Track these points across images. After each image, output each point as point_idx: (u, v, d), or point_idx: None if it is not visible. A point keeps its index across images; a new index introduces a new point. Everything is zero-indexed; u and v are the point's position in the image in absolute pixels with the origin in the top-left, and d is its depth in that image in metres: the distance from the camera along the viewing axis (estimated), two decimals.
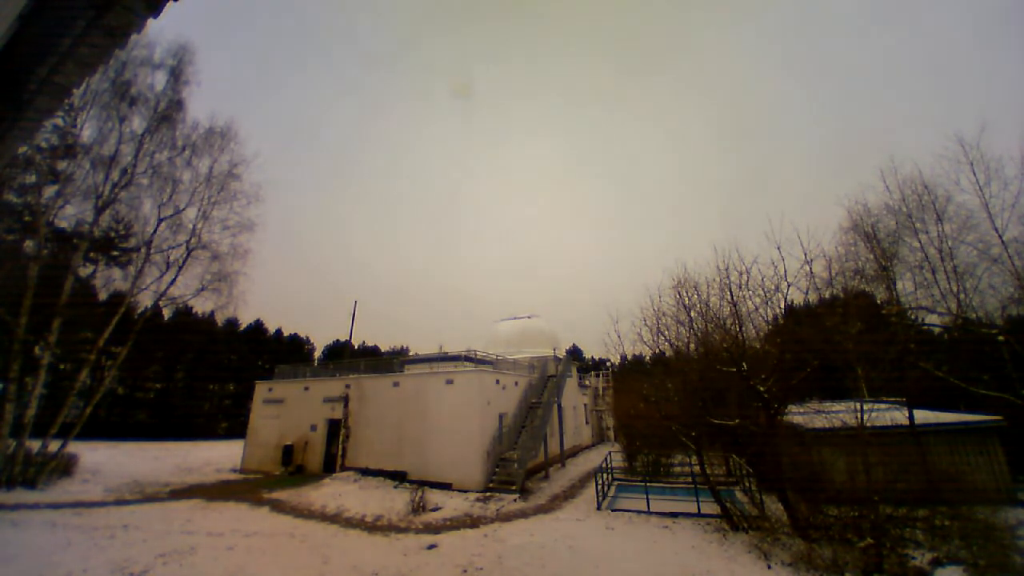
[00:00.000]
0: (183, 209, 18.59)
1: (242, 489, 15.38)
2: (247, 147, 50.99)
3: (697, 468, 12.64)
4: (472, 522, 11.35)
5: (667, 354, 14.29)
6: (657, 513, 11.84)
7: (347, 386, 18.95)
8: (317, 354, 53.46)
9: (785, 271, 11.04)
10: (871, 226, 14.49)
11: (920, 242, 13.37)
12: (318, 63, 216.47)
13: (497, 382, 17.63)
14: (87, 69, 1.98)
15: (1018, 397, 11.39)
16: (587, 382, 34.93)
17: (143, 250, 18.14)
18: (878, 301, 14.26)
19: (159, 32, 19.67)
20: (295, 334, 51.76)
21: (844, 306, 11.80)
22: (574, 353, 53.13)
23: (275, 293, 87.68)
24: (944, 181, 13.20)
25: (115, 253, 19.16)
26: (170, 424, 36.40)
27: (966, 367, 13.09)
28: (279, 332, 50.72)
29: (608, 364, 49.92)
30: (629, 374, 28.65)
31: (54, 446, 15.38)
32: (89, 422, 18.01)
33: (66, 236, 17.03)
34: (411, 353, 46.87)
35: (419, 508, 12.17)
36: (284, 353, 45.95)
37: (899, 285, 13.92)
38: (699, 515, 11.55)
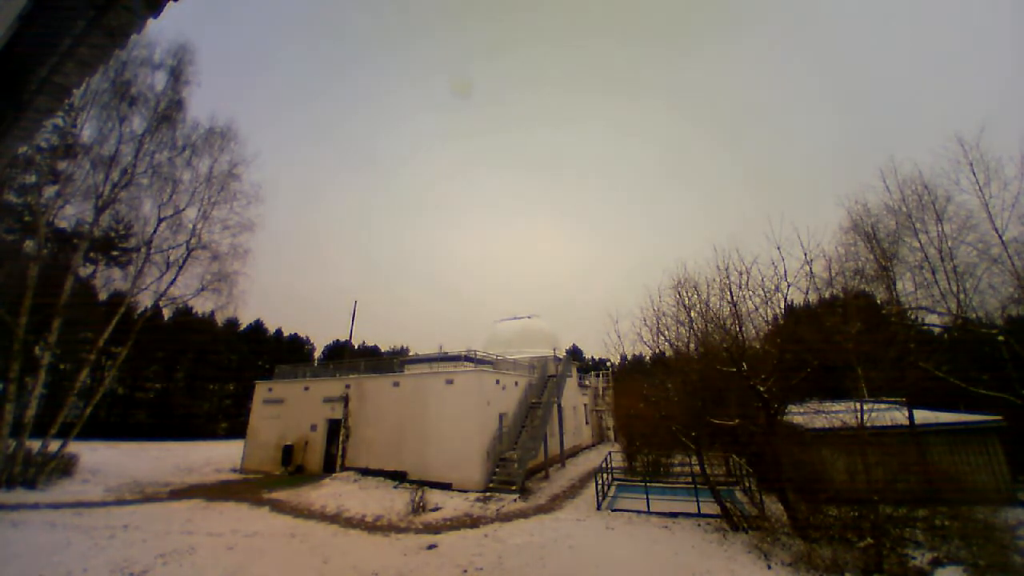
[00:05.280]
0: (183, 209, 18.62)
1: (242, 489, 15.38)
2: (247, 147, 51.01)
3: (697, 468, 12.64)
4: (472, 522, 11.35)
5: (667, 354, 14.29)
6: (657, 513, 11.84)
7: (347, 386, 18.95)
8: (317, 354, 53.47)
9: (785, 271, 11.06)
10: (871, 226, 14.49)
11: (920, 242, 13.37)
12: (318, 63, 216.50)
13: (497, 382, 17.62)
14: (87, 69, 1.98)
15: (1018, 397, 11.39)
16: (587, 382, 34.91)
17: (143, 250, 18.15)
18: (878, 301, 14.25)
19: (159, 32, 19.70)
20: (295, 334, 51.78)
21: (844, 306, 11.80)
22: (574, 353, 53.14)
23: (275, 293, 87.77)
24: (944, 181, 13.21)
25: (115, 253, 19.18)
26: (170, 424, 36.37)
27: (966, 367, 13.08)
28: (279, 332, 50.73)
29: (608, 364, 49.94)
30: (629, 374, 28.64)
31: (54, 446, 15.39)
32: (89, 422, 18.01)
33: (66, 236, 17.05)
34: (411, 353, 46.87)
35: (419, 508, 12.17)
36: (284, 353, 45.94)
37: (899, 285, 13.92)
38: (699, 515, 11.55)
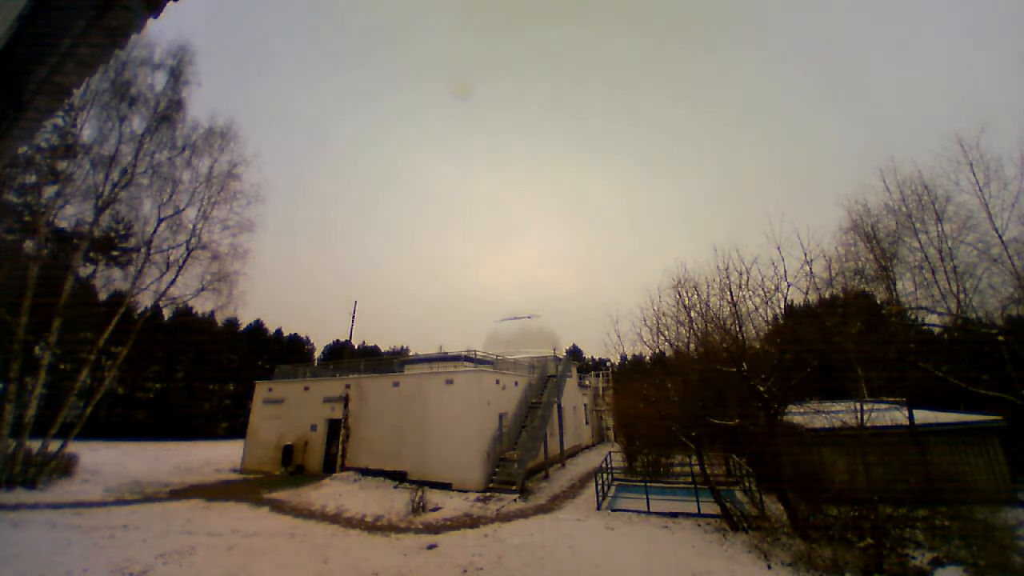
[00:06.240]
0: (183, 209, 18.60)
1: (242, 489, 15.38)
2: (247, 147, 50.98)
3: (697, 468, 12.64)
4: (472, 522, 11.35)
5: (667, 354, 14.30)
6: (657, 513, 11.84)
7: (347, 386, 18.95)
8: (317, 354, 53.48)
9: (785, 271, 11.06)
10: (871, 226, 14.48)
11: (920, 242, 13.36)
12: (319, 63, 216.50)
13: (497, 382, 17.62)
14: (87, 69, 1.97)
15: (1018, 397, 11.38)
16: (587, 382, 34.91)
17: (143, 250, 18.14)
18: (878, 301, 14.25)
19: (159, 32, 19.73)
20: (295, 334, 51.78)
21: (844, 306, 11.81)
22: (574, 353, 53.13)
23: (275, 293, 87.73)
24: (944, 181, 13.19)
25: (115, 253, 19.16)
26: (170, 424, 36.38)
27: (966, 367, 13.08)
28: (279, 332, 50.73)
29: (608, 364, 49.92)
30: (629, 374, 28.64)
31: (54, 446, 15.38)
32: (89, 422, 18.00)
33: (66, 236, 17.02)
34: (411, 353, 46.93)
35: (419, 508, 12.17)
36: (284, 353, 45.94)
37: (899, 285, 13.91)
38: (699, 515, 11.55)
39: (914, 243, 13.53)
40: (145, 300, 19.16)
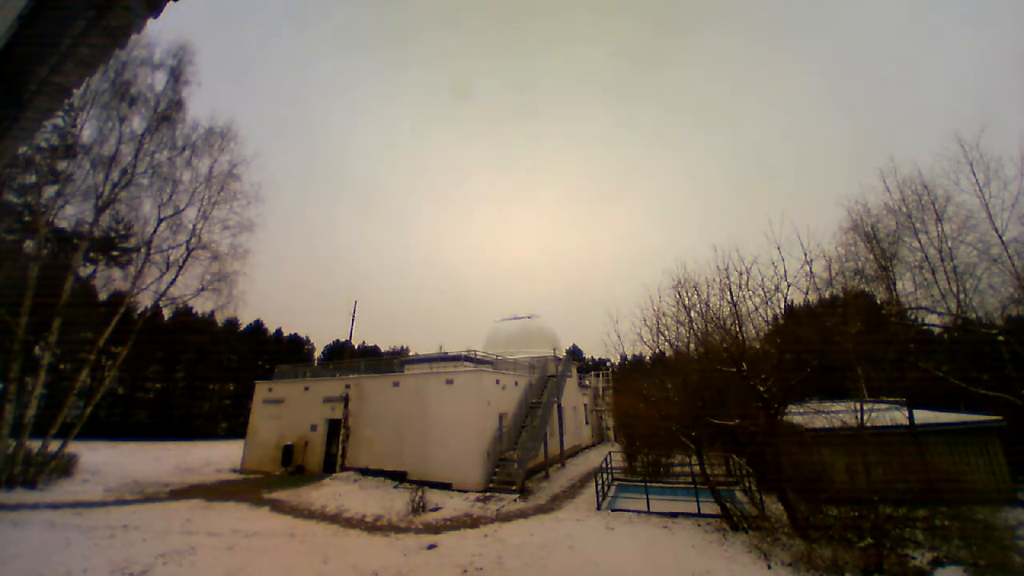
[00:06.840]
0: (183, 209, 18.61)
1: (242, 489, 15.38)
2: (247, 147, 50.95)
3: (697, 468, 12.64)
4: (472, 522, 11.35)
5: (667, 354, 14.30)
6: (657, 513, 11.84)
7: (347, 386, 18.94)
8: (317, 354, 53.49)
9: (785, 271, 11.06)
10: (871, 226, 14.49)
11: (920, 242, 13.37)
12: (319, 63, 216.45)
13: (497, 382, 17.62)
14: (87, 69, 1.97)
15: (1018, 397, 11.38)
16: (587, 382, 34.91)
17: (143, 250, 18.14)
18: (878, 301, 14.26)
19: (159, 32, 19.74)
20: (295, 334, 51.78)
21: (844, 306, 11.81)
22: (574, 353, 53.13)
23: (275, 293, 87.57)
24: (944, 181, 13.21)
25: (115, 253, 19.15)
26: (170, 424, 36.39)
27: (966, 367, 13.08)
28: (279, 332, 50.72)
29: (608, 364, 49.91)
30: (629, 374, 28.62)
31: (54, 446, 15.38)
32: (89, 422, 18.01)
33: (66, 236, 17.02)
34: (411, 353, 46.93)
35: (419, 508, 12.17)
36: (284, 353, 45.94)
37: (899, 285, 13.92)
38: (699, 515, 11.54)
39: (914, 243, 13.55)
40: (145, 300, 19.21)
